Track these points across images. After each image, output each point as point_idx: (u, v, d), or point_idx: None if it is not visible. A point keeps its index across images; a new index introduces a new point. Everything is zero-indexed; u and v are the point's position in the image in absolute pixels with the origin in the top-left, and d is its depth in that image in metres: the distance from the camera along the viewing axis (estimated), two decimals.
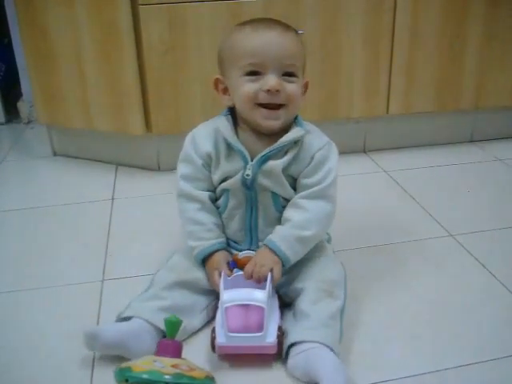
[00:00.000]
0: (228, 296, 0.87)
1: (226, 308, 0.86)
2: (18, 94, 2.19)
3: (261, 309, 0.85)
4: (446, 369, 0.85)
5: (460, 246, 1.19)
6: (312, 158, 0.94)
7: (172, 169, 1.28)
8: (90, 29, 1.46)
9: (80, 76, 1.53)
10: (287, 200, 0.97)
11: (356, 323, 0.94)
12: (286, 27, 0.91)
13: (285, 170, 0.94)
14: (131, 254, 1.18)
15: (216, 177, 0.97)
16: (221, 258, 0.96)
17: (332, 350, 0.83)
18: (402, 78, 1.61)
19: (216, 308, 0.94)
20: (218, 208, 1.00)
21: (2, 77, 2.23)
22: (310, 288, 0.90)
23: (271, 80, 0.88)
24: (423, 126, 1.76)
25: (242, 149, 0.93)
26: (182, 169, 0.99)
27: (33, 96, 1.69)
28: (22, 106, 2.18)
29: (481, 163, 1.66)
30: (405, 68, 1.61)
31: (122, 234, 1.27)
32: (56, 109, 1.63)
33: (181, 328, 0.83)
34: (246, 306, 0.86)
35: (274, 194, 0.96)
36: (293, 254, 0.92)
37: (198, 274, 0.96)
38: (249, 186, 0.94)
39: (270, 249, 0.92)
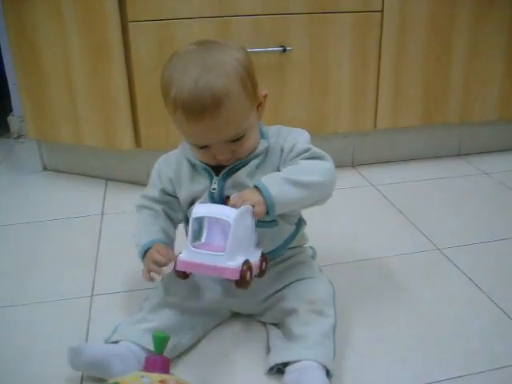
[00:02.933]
0: (198, 208, 0.84)
1: (194, 219, 0.83)
2: (8, 109, 2.20)
3: (228, 227, 0.80)
4: (435, 381, 0.86)
5: (447, 259, 1.20)
6: (282, 149, 0.92)
7: None
8: (80, 45, 1.47)
9: (70, 91, 1.54)
10: None
11: (345, 338, 0.95)
12: (217, 104, 0.81)
13: (251, 176, 0.91)
14: (121, 269, 1.18)
15: (183, 199, 0.97)
16: (159, 247, 0.93)
17: (326, 367, 0.83)
18: (389, 92, 1.63)
19: (204, 327, 0.95)
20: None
21: None
22: (300, 310, 0.90)
23: (220, 155, 0.88)
24: (411, 140, 1.78)
25: (206, 166, 0.92)
26: (145, 190, 1.03)
27: (23, 111, 1.69)
28: (12, 121, 2.18)
29: (468, 177, 1.67)
30: (392, 83, 1.63)
31: (111, 249, 1.27)
32: (46, 124, 1.64)
33: (169, 345, 0.83)
34: (219, 228, 0.83)
35: None
36: (279, 193, 0.85)
37: (187, 297, 0.95)
38: (217, 201, 0.92)
39: (256, 187, 0.86)
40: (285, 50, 1.48)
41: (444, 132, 1.79)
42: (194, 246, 0.82)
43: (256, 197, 0.84)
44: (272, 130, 0.96)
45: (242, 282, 0.81)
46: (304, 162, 0.89)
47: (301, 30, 1.49)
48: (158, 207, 1.01)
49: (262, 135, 0.94)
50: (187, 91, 0.81)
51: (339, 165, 1.67)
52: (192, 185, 0.95)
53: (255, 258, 0.86)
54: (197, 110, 0.81)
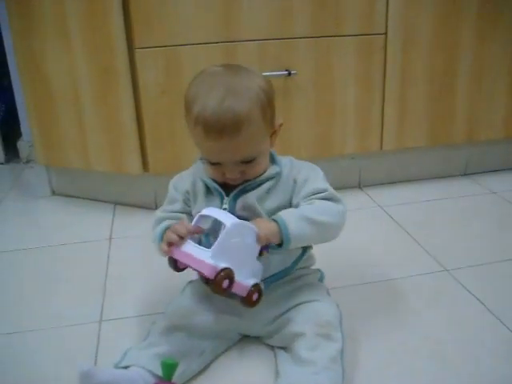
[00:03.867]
0: (207, 209, 0.89)
1: (200, 216, 0.89)
2: (17, 134, 2.22)
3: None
4: None
5: (456, 280, 1.20)
6: (295, 181, 0.95)
7: None
8: (88, 71, 1.49)
9: (78, 117, 1.56)
10: None
11: (354, 362, 0.94)
12: (237, 126, 0.85)
13: (261, 201, 0.94)
14: (129, 294, 1.19)
15: (195, 213, 0.98)
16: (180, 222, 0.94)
17: None
18: (394, 114, 1.64)
19: (213, 351, 0.95)
20: None
21: (2, 117, 2.26)
22: (307, 333, 0.90)
23: (230, 173, 0.91)
24: (417, 160, 1.78)
25: (217, 186, 0.95)
26: (163, 207, 1.05)
27: (32, 136, 1.71)
28: (22, 146, 2.21)
29: (475, 196, 1.67)
30: (397, 104, 1.63)
31: (120, 274, 1.28)
32: (55, 149, 1.66)
33: (178, 371, 0.83)
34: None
35: None
36: (295, 229, 0.88)
37: (195, 320, 0.95)
38: None
39: (274, 220, 0.90)
40: (290, 74, 1.49)
41: (450, 152, 1.80)
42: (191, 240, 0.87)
43: (273, 228, 0.89)
44: (285, 160, 1.00)
45: (247, 299, 0.87)
46: (321, 202, 0.93)
47: (305, 54, 1.51)
48: (175, 216, 1.01)
49: (275, 161, 0.98)
50: (211, 110, 0.85)
51: (346, 186, 1.72)
52: (206, 203, 0.97)
53: (246, 282, 0.88)
54: (217, 129, 0.85)
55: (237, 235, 0.85)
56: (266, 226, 0.88)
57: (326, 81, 1.56)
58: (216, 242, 0.84)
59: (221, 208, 0.93)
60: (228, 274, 0.84)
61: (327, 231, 0.94)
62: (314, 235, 0.92)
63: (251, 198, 0.94)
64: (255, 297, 0.89)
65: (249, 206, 0.94)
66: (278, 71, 1.49)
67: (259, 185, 0.94)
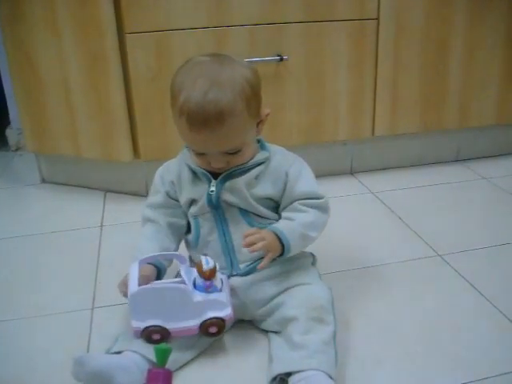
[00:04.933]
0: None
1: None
2: (5, 122, 2.20)
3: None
4: None
5: (448, 265, 1.20)
6: (286, 174, 0.98)
7: None
8: (77, 57, 1.47)
9: (67, 104, 1.54)
10: (259, 216, 0.98)
11: (346, 346, 0.95)
12: (220, 118, 0.86)
13: (249, 186, 0.96)
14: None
15: (183, 200, 1.01)
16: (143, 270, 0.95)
17: (330, 375, 0.83)
18: (386, 99, 1.64)
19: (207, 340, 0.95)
20: (190, 241, 1.03)
21: None
22: (300, 317, 0.90)
23: (215, 163, 0.93)
24: (409, 146, 1.78)
25: (204, 171, 0.97)
26: (149, 199, 1.07)
27: (21, 124, 1.69)
28: (10, 134, 2.18)
29: (467, 182, 1.68)
30: (389, 90, 1.63)
31: (111, 261, 1.27)
32: (44, 136, 1.64)
33: (172, 357, 0.83)
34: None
35: (242, 211, 0.97)
36: (293, 249, 0.95)
37: None
38: (214, 203, 0.97)
39: (278, 237, 0.93)
40: (281, 59, 1.48)
41: (442, 138, 1.80)
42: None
43: (275, 242, 0.93)
44: (275, 148, 1.01)
45: (205, 333, 0.91)
46: (315, 214, 0.97)
47: (297, 39, 1.50)
48: (162, 220, 1.03)
49: (264, 147, 1.00)
50: (194, 101, 0.86)
51: (338, 172, 1.72)
52: (192, 188, 0.99)
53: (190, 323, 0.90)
54: (200, 120, 0.86)
55: (145, 299, 0.88)
56: (272, 241, 0.92)
57: (318, 66, 1.55)
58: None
59: (208, 190, 0.96)
60: (151, 331, 0.88)
61: (311, 243, 0.99)
62: (305, 246, 1.00)
63: (239, 182, 0.96)
64: (212, 329, 0.90)
65: (236, 190, 0.96)
66: (270, 57, 1.48)
67: (247, 170, 0.96)
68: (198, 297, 0.89)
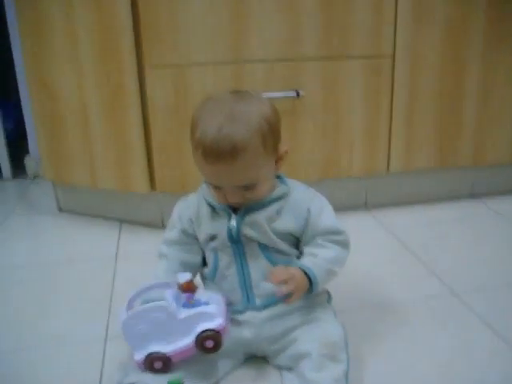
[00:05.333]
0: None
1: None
2: (25, 150, 2.24)
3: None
4: None
5: (463, 303, 1.19)
6: (308, 211, 0.98)
7: None
8: (97, 89, 1.50)
9: (86, 134, 1.56)
10: (280, 252, 0.98)
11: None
12: (234, 153, 0.87)
13: (270, 221, 0.96)
14: None
15: (202, 236, 1.01)
16: None
17: None
18: (401, 136, 1.65)
19: (219, 371, 0.95)
20: (207, 273, 1.03)
21: (10, 133, 2.28)
22: (313, 354, 0.90)
23: (231, 198, 0.94)
24: (424, 182, 1.78)
25: (224, 206, 0.97)
26: (166, 234, 1.07)
27: (40, 153, 1.72)
28: (29, 162, 2.22)
29: (482, 218, 1.67)
30: (404, 126, 1.64)
31: (125, 292, 1.26)
32: (62, 166, 1.66)
33: None
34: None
35: (262, 245, 0.97)
36: (320, 285, 0.96)
37: None
38: (235, 237, 0.97)
39: (306, 274, 0.93)
40: (298, 95, 1.50)
41: (457, 173, 1.80)
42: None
43: (304, 280, 0.93)
44: (296, 183, 1.02)
45: (201, 349, 0.90)
46: (337, 250, 0.98)
47: (314, 75, 1.52)
48: (176, 257, 1.04)
49: (283, 182, 1.01)
50: (210, 136, 0.87)
51: (353, 207, 1.72)
52: (212, 224, 0.99)
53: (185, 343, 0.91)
54: (214, 155, 0.87)
55: (136, 324, 0.90)
56: (300, 280, 0.92)
57: (334, 102, 1.57)
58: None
59: (229, 224, 0.96)
60: (152, 359, 0.89)
61: (334, 277, 1.00)
62: (328, 282, 1.00)
63: (260, 217, 0.96)
64: (209, 344, 0.90)
65: (257, 224, 0.96)
66: (287, 92, 1.50)
67: (267, 204, 0.96)
68: (183, 313, 0.90)
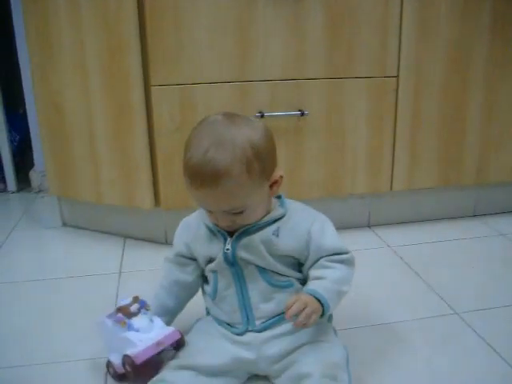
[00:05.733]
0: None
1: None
2: (30, 164, 2.24)
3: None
4: None
5: (465, 324, 1.19)
6: (309, 233, 0.97)
7: None
8: (104, 106, 1.51)
9: (91, 150, 1.58)
10: (279, 274, 0.99)
11: None
12: (215, 179, 0.86)
13: (268, 244, 0.96)
14: None
15: (200, 260, 1.03)
16: None
17: None
18: (405, 155, 1.66)
19: None
20: (208, 293, 1.05)
21: (16, 146, 2.29)
22: (314, 375, 0.90)
23: (221, 222, 0.95)
24: (427, 201, 1.79)
25: (219, 229, 0.98)
26: (168, 252, 1.10)
27: (45, 167, 1.73)
28: (34, 176, 2.22)
29: (485, 238, 1.67)
30: (408, 146, 1.65)
31: None
32: (67, 181, 1.67)
33: None
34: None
35: (260, 268, 0.98)
36: (332, 308, 0.94)
37: (200, 359, 0.96)
38: (231, 261, 0.97)
39: (316, 298, 0.92)
40: (302, 114, 1.51)
41: (459, 193, 1.80)
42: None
43: (315, 304, 0.91)
44: (296, 205, 1.02)
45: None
46: (343, 269, 0.98)
47: (318, 95, 1.53)
48: (169, 276, 1.08)
49: (282, 204, 1.00)
50: (195, 160, 0.88)
51: (355, 225, 1.72)
52: (209, 246, 1.00)
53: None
54: (198, 179, 0.88)
55: (103, 331, 1.03)
56: (314, 305, 0.91)
57: (338, 121, 1.58)
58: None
59: (224, 249, 0.97)
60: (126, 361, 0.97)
61: (343, 297, 0.99)
62: (338, 303, 0.98)
63: (255, 239, 0.96)
64: (127, 367, 0.97)
65: (252, 247, 0.96)
66: (291, 111, 1.51)
67: (263, 227, 0.96)
68: (119, 333, 0.99)
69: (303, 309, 0.89)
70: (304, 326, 0.91)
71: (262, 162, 0.90)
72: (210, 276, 1.03)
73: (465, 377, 1.02)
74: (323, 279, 0.95)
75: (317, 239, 0.97)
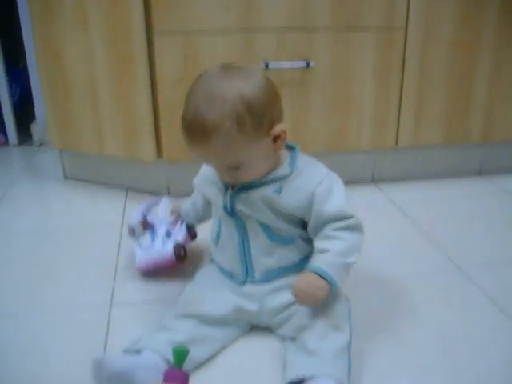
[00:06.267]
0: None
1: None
2: (31, 117, 2.23)
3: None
4: None
5: (467, 279, 1.19)
6: (313, 193, 0.93)
7: (182, 195, 1.31)
8: (105, 56, 1.49)
9: (93, 101, 1.55)
10: (281, 231, 0.97)
11: (362, 357, 0.94)
12: (205, 135, 0.85)
13: (269, 200, 0.94)
14: (140, 279, 1.19)
15: (208, 196, 1.06)
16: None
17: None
18: (411, 110, 1.63)
19: (222, 340, 0.96)
20: (212, 237, 1.05)
21: (17, 99, 2.26)
22: (317, 324, 0.90)
23: (222, 176, 0.95)
24: (432, 158, 1.77)
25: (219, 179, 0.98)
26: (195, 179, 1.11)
27: (46, 120, 1.71)
28: (35, 129, 2.21)
29: (489, 196, 1.66)
30: (414, 100, 1.62)
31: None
32: (68, 133, 1.66)
33: (188, 357, 0.83)
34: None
35: (261, 223, 0.96)
36: (339, 282, 0.91)
37: (202, 308, 0.96)
38: (230, 212, 0.97)
39: (320, 276, 0.90)
40: (308, 65, 1.48)
41: (465, 150, 1.78)
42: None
43: (321, 282, 0.89)
44: (308, 162, 0.98)
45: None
46: (348, 238, 0.93)
47: (324, 46, 1.50)
48: (196, 199, 1.18)
49: (293, 160, 0.96)
50: (188, 115, 0.87)
51: (360, 181, 1.71)
52: (216, 192, 1.00)
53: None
54: (189, 135, 0.88)
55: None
56: (320, 284, 0.89)
57: (344, 74, 1.55)
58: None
59: (223, 200, 0.98)
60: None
61: (352, 267, 0.95)
62: (346, 275, 0.94)
63: (254, 195, 0.94)
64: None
65: (250, 203, 0.95)
66: (297, 61, 1.48)
67: (264, 184, 0.94)
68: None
69: (308, 287, 0.89)
70: (313, 304, 0.91)
71: (256, 117, 0.86)
72: (215, 222, 1.03)
73: (466, 329, 1.03)
74: (327, 252, 0.92)
75: (320, 202, 0.93)
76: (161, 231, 1.19)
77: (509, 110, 1.71)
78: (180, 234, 1.18)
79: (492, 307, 1.09)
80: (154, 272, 1.18)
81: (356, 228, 0.95)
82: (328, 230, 0.93)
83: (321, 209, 0.93)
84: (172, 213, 1.24)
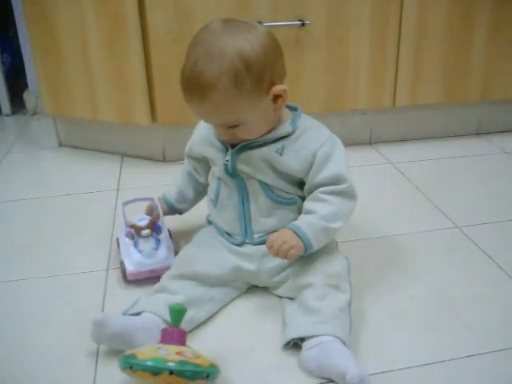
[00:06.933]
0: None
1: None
2: (23, 85, 2.20)
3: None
4: (453, 359, 0.84)
5: (466, 237, 1.19)
6: (314, 155, 0.92)
7: (177, 160, 1.29)
8: (96, 19, 1.45)
9: (86, 67, 1.53)
10: (282, 191, 0.96)
11: (362, 314, 0.94)
12: (202, 92, 0.83)
13: (269, 160, 0.93)
14: None
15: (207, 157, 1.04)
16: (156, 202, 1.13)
17: (344, 342, 0.83)
18: (408, 69, 1.60)
19: (221, 300, 0.97)
20: (211, 199, 1.04)
21: (8, 68, 2.23)
22: (317, 284, 0.90)
23: (220, 135, 0.94)
24: (430, 117, 1.75)
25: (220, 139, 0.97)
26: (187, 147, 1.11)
27: (38, 87, 1.69)
28: (28, 97, 2.18)
29: (488, 156, 1.65)
30: (412, 59, 1.60)
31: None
32: (62, 100, 1.63)
33: (186, 317, 0.83)
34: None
35: (262, 183, 0.95)
36: (316, 244, 0.91)
37: (200, 267, 0.96)
38: (231, 172, 0.96)
39: (296, 233, 0.90)
40: (303, 24, 1.45)
41: (464, 110, 1.76)
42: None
43: (295, 240, 0.90)
44: (311, 123, 0.96)
45: None
46: (340, 204, 0.92)
47: (320, 4, 1.47)
48: (188, 167, 1.13)
49: (295, 121, 0.95)
50: (186, 72, 0.85)
51: (357, 142, 1.69)
52: (215, 152, 0.99)
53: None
54: (187, 92, 0.86)
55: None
56: (293, 240, 0.90)
57: (340, 33, 1.52)
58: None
59: (224, 160, 0.96)
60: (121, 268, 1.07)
61: (336, 233, 0.96)
62: (330, 237, 0.97)
63: (255, 155, 0.93)
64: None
65: (251, 162, 0.94)
66: (291, 21, 1.45)
67: (266, 143, 0.93)
68: (127, 242, 1.07)
69: (282, 243, 0.89)
70: (285, 258, 0.90)
71: (254, 75, 0.84)
72: (214, 182, 1.02)
73: (465, 284, 1.03)
74: (312, 214, 0.92)
75: (320, 164, 0.92)
76: (164, 238, 1.08)
77: (508, 68, 1.69)
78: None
79: (491, 265, 1.09)
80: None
81: (348, 195, 0.94)
82: (318, 193, 0.93)
83: (318, 171, 0.92)
84: (149, 212, 1.14)
